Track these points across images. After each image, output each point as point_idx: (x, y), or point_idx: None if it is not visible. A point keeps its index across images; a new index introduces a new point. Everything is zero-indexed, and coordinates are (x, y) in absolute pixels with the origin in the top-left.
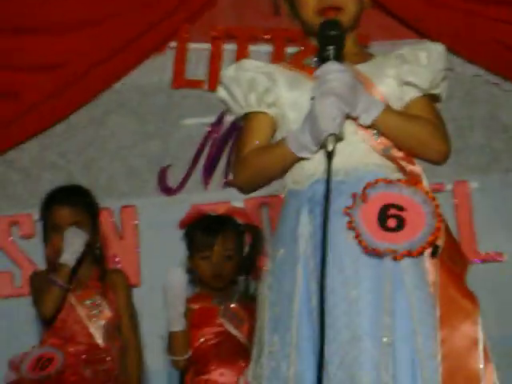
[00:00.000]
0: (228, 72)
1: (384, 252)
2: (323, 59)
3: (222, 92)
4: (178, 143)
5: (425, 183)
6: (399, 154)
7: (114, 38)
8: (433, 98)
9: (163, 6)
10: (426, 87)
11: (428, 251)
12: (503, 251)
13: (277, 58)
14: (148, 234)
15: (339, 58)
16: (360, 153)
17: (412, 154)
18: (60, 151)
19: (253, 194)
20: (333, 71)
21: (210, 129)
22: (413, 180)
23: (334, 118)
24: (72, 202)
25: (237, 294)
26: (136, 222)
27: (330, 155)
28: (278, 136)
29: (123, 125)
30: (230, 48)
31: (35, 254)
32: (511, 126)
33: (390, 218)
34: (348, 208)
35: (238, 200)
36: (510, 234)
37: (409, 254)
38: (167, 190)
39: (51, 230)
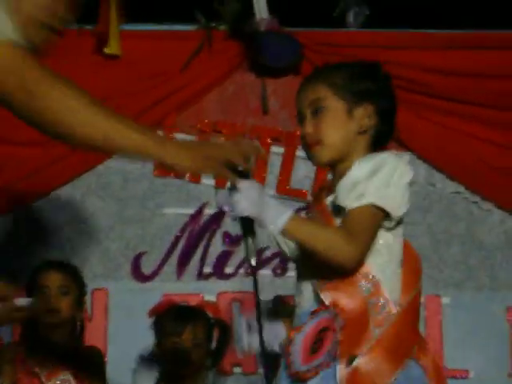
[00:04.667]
0: None
1: (296, 375)
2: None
3: None
4: (155, 231)
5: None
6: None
7: None
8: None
9: (153, 94)
10: (340, 202)
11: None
12: (469, 369)
13: (262, 155)
14: (117, 318)
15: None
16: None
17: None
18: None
19: (225, 289)
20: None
21: (188, 220)
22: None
23: None
24: (63, 268)
25: None
26: (106, 305)
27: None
28: None
29: (102, 207)
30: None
31: None
32: (487, 244)
33: (318, 341)
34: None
35: (210, 293)
36: (478, 352)
37: (306, 375)
38: (140, 277)
39: (38, 292)
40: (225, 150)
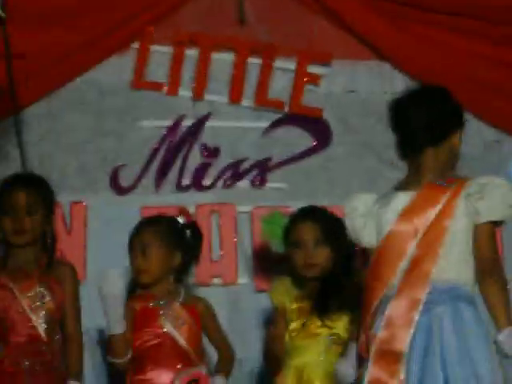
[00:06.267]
0: None
1: None
2: None
3: None
4: (133, 144)
5: None
6: None
7: (79, 35)
8: None
9: (129, 8)
10: None
11: None
12: None
13: (239, 67)
14: (96, 231)
15: None
16: None
17: None
18: (14, 142)
19: (204, 201)
20: None
21: (166, 132)
22: None
23: None
24: (27, 186)
25: (180, 296)
26: (85, 217)
27: None
28: None
29: (79, 121)
30: (192, 54)
31: None
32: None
33: None
34: None
35: (189, 205)
36: None
37: None
38: (119, 189)
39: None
40: None
